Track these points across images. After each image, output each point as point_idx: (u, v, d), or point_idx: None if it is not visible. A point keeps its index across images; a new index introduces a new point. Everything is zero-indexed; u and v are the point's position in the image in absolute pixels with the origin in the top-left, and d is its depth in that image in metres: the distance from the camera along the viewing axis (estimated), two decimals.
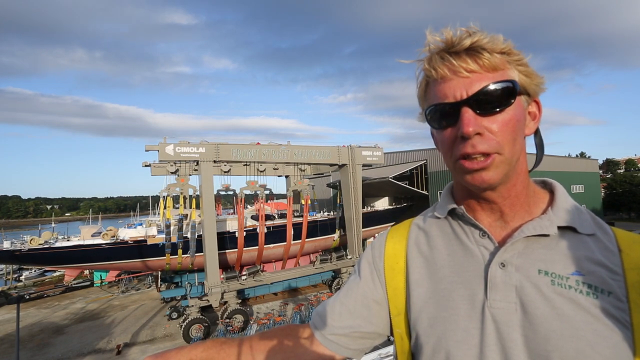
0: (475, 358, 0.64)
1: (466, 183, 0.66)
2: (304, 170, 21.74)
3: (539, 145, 0.74)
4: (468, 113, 0.62)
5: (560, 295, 0.62)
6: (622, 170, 65.66)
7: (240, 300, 16.75)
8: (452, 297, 0.69)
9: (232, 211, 26.04)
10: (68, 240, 18.14)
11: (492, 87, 0.62)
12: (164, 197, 17.75)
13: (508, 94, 0.62)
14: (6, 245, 18.16)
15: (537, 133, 0.73)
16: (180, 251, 16.81)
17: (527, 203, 0.70)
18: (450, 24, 0.66)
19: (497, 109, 0.62)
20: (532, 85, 0.67)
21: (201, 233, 15.77)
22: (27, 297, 21.68)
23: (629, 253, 0.64)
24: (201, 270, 17.40)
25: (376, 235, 0.92)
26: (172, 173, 16.29)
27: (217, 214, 19.85)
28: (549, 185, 0.75)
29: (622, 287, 0.61)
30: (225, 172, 18.29)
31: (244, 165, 18.52)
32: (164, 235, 16.76)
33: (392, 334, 0.80)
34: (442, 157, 0.71)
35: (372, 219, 23.60)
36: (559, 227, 0.66)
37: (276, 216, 22.50)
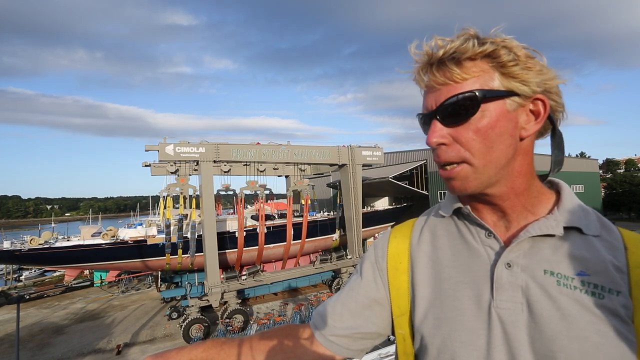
0: (481, 359, 0.64)
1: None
2: (304, 170, 21.73)
3: (558, 146, 0.71)
4: (435, 125, 0.65)
5: (566, 296, 0.61)
6: (622, 170, 65.66)
7: (240, 300, 16.75)
8: (457, 298, 0.68)
9: (232, 211, 26.04)
10: (68, 240, 18.14)
11: (452, 99, 0.63)
12: (164, 197, 17.77)
13: (470, 104, 0.62)
14: (6, 245, 18.17)
15: (554, 133, 0.70)
16: (180, 251, 16.81)
17: (530, 203, 0.69)
18: (434, 33, 0.67)
19: (461, 120, 0.63)
20: (521, 86, 0.63)
21: (201, 233, 15.76)
22: (27, 297, 21.67)
23: (635, 251, 0.64)
24: (201, 270, 17.39)
25: (377, 235, 0.91)
26: (172, 173, 16.29)
27: (217, 214, 19.86)
28: (555, 185, 0.74)
29: (627, 285, 0.61)
30: (225, 172, 18.31)
31: (244, 165, 18.52)
32: (164, 235, 16.75)
33: (393, 334, 0.79)
34: None
35: (372, 219, 23.49)
36: (565, 228, 0.66)
37: (276, 216, 22.50)
